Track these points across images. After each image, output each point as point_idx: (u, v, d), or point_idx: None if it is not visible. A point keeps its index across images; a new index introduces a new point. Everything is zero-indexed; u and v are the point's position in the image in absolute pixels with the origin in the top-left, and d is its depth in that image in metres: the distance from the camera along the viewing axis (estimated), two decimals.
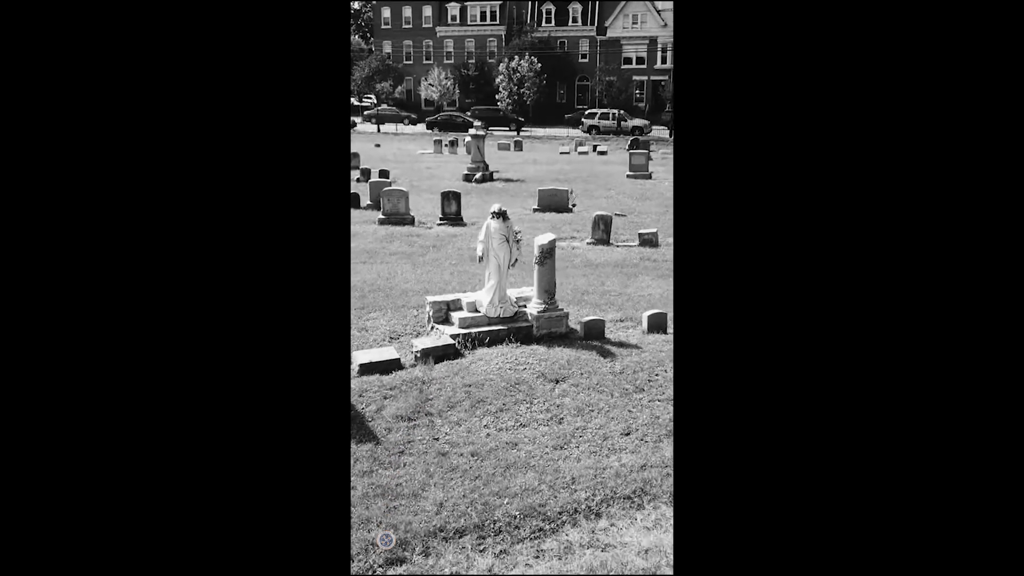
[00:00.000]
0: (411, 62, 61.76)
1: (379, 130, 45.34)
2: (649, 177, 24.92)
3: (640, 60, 56.31)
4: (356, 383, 7.18)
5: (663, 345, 8.22)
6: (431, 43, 61.43)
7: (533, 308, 8.59)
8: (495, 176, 24.49)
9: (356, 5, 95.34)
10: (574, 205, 18.60)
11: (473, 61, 59.12)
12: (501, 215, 8.49)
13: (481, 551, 4.73)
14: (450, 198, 16.65)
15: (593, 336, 8.46)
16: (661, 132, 44.14)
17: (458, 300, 8.85)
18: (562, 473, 5.61)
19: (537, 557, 4.68)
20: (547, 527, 4.98)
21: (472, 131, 26.56)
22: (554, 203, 18.31)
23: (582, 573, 4.46)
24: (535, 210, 18.16)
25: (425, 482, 5.45)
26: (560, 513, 5.11)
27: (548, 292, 8.64)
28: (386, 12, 62.74)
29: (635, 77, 56.23)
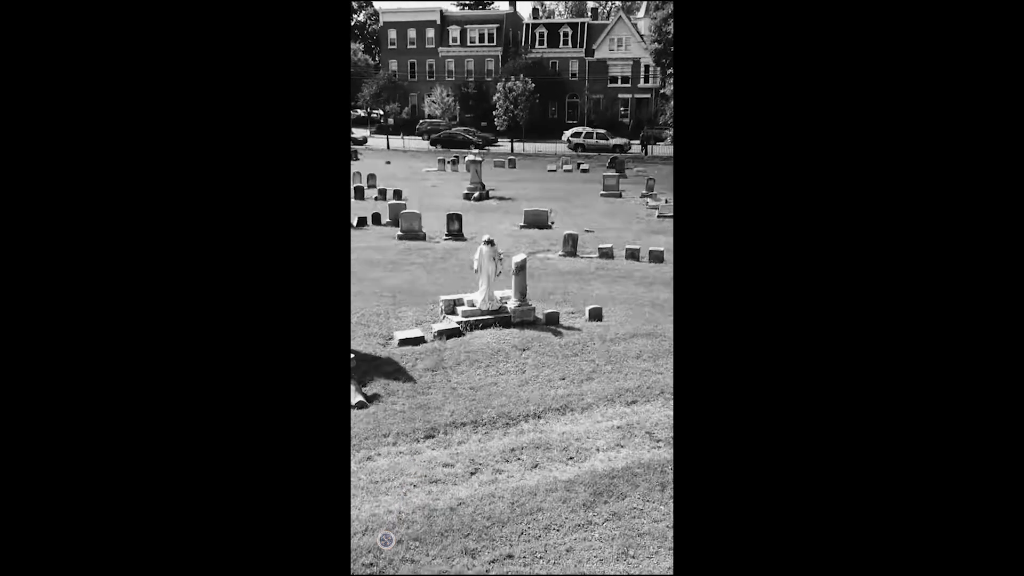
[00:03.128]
0: (415, 79, 65.54)
1: (388, 147, 49.10)
2: (619, 196, 28.78)
3: (624, 80, 60.11)
4: (398, 351, 11.09)
5: (596, 328, 12.12)
6: (433, 62, 65.25)
7: (511, 304, 12.47)
8: (491, 195, 28.30)
9: (360, 17, 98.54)
10: (552, 223, 22.48)
11: (472, 80, 62.97)
12: (490, 243, 12.37)
13: (474, 433, 8.63)
14: (453, 218, 20.55)
15: (551, 322, 12.35)
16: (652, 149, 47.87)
17: (461, 299, 12.74)
18: (522, 398, 9.52)
19: (505, 435, 8.58)
20: (511, 423, 8.89)
21: (471, 156, 30.42)
22: (537, 221, 22.20)
23: (527, 440, 8.39)
24: (521, 227, 22.03)
25: (443, 402, 9.36)
26: (518, 416, 9.02)
27: (522, 293, 12.52)
28: (392, 33, 66.59)
29: (620, 95, 60.13)
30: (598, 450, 8.16)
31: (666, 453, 8.04)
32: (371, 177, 29.99)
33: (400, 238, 19.95)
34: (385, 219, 22.24)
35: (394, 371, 10.32)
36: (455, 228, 20.38)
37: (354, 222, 21.59)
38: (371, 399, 9.45)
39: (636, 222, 23.50)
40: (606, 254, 18.27)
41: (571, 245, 18.46)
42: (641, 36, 58.95)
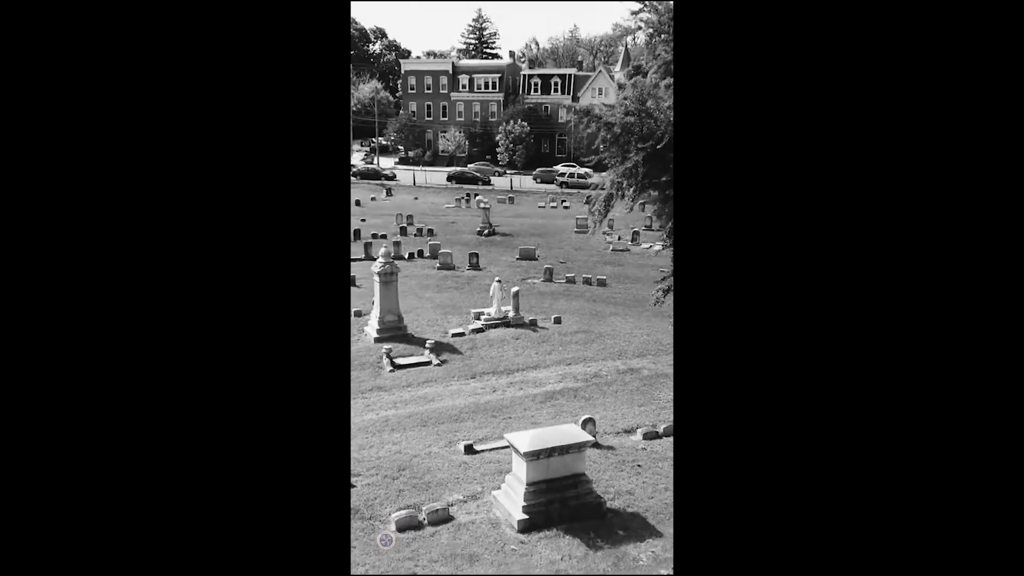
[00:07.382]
0: (431, 119, 74.55)
1: (415, 182, 57.95)
2: (588, 232, 37.57)
3: None
4: (452, 340, 20.07)
5: (556, 328, 21.10)
6: (446, 105, 74.20)
7: (511, 314, 21.41)
8: (496, 231, 37.15)
9: (376, 48, 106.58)
10: (538, 256, 31.39)
11: (479, 120, 71.95)
12: (499, 281, 21.35)
13: (493, 376, 17.63)
14: (473, 254, 29.49)
15: (532, 324, 21.29)
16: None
17: (482, 311, 21.75)
18: (515, 361, 18.52)
19: (506, 377, 17.57)
20: (509, 372, 17.88)
21: (482, 201, 39.24)
22: (527, 254, 31.13)
23: (517, 380, 17.40)
24: (517, 259, 30.92)
25: (478, 363, 18.39)
26: (514, 369, 18.04)
27: (516, 308, 21.48)
28: (412, 80, 75.63)
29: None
30: (549, 383, 17.15)
31: (581, 383, 17.00)
32: (409, 217, 38.82)
33: (438, 269, 28.87)
34: (427, 253, 31.15)
35: (451, 349, 19.32)
36: (474, 261, 29.32)
37: (406, 256, 30.50)
38: (442, 362, 18.43)
39: (595, 254, 32.43)
40: (571, 280, 27.18)
41: (548, 275, 27.38)
42: (620, 87, 67.60)
